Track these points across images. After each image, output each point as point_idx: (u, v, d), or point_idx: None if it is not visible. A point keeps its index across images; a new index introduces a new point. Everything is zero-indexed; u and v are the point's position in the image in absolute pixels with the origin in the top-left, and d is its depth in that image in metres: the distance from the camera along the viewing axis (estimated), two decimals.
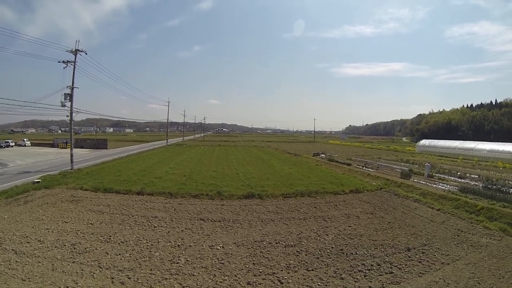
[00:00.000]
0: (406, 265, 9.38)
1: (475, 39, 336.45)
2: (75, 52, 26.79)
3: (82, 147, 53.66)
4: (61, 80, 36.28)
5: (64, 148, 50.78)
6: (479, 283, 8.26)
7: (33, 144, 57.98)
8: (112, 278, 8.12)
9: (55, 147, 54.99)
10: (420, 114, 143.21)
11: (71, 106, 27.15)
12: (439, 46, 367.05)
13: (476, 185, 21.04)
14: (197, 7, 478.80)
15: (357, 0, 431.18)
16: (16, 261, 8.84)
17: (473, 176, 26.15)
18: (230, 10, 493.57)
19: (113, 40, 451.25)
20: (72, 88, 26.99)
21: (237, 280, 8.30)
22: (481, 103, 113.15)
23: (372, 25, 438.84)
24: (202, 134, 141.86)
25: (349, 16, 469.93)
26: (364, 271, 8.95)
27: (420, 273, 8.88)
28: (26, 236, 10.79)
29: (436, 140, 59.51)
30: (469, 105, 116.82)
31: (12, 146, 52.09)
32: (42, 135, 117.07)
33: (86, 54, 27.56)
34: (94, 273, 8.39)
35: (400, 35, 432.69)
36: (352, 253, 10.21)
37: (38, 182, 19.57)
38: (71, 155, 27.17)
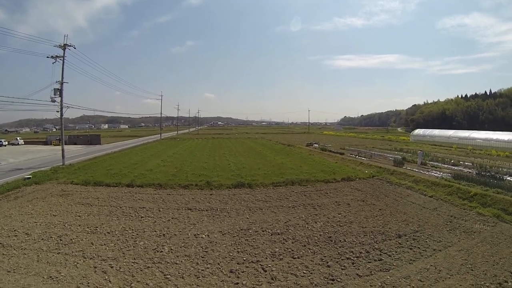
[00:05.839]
0: (396, 252, 9.10)
1: (467, 31, 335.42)
2: (64, 46, 26.47)
3: (75, 144, 53.22)
4: (51, 76, 36.00)
5: (58, 145, 50.17)
6: (472, 270, 7.95)
7: (26, 143, 57.24)
8: (95, 267, 8.10)
9: (48, 144, 54.45)
10: (415, 105, 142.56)
11: (61, 101, 26.85)
12: (431, 37, 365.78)
13: (470, 172, 20.93)
14: (187, 3, 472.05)
15: None
16: (3, 254, 8.84)
17: (466, 163, 26.09)
18: (220, 5, 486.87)
19: (106, 38, 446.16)
20: (62, 83, 26.64)
21: (220, 268, 8.18)
22: (476, 93, 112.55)
23: (363, 17, 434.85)
24: (196, 128, 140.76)
25: (339, 8, 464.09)
26: (352, 258, 8.66)
27: (410, 260, 8.58)
28: (14, 230, 10.74)
29: (430, 130, 59.29)
30: (463, 96, 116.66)
31: (5, 145, 51.44)
32: (36, 134, 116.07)
33: (75, 48, 27.36)
34: (77, 263, 8.38)
35: (392, 27, 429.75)
36: (340, 241, 9.98)
37: (29, 178, 19.43)
38: (62, 151, 27.10)
